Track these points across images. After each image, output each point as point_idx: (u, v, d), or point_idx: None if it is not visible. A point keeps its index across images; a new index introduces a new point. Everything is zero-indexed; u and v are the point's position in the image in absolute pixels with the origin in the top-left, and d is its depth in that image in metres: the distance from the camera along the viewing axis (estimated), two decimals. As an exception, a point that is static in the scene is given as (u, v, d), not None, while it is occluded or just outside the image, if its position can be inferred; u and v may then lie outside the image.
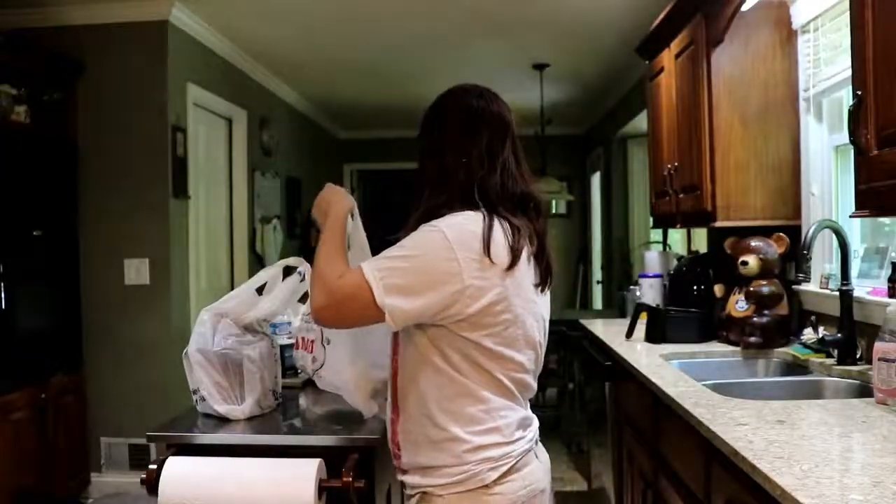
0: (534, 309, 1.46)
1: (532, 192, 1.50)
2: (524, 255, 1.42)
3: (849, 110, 1.71)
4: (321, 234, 1.52)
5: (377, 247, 1.50)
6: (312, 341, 1.79)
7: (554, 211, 8.33)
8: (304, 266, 1.77)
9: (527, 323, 1.43)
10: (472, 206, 1.42)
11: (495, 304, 1.37)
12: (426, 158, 1.52)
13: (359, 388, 1.70)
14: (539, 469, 1.48)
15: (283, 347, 2.00)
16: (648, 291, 3.45)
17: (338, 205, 1.58)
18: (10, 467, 3.21)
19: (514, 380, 1.43)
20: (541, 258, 1.48)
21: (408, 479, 1.47)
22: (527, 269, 1.44)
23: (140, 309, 3.92)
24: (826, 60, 2.60)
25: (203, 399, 1.80)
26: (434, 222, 1.40)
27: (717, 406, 1.82)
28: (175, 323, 3.97)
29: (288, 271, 1.84)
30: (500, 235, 1.39)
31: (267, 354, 1.83)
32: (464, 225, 1.38)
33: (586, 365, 3.49)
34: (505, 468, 1.40)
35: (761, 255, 2.66)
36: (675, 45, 3.19)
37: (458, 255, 1.35)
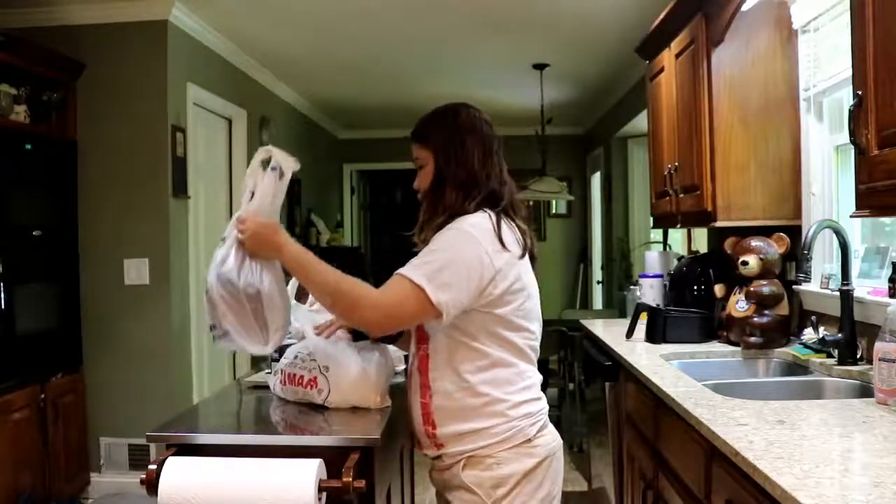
0: (536, 287, 1.75)
1: (519, 198, 1.80)
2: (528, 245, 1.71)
3: (849, 110, 1.71)
4: (296, 266, 1.63)
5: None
6: (312, 380, 1.82)
7: (554, 211, 8.34)
8: (274, 156, 1.67)
9: (534, 298, 1.72)
10: (487, 209, 1.68)
11: (515, 282, 1.64)
12: (453, 167, 1.70)
13: (376, 392, 1.83)
14: (554, 429, 1.77)
15: (283, 347, 1.99)
16: (648, 291, 3.45)
17: (276, 235, 1.64)
18: (9, 467, 3.21)
19: (531, 347, 1.71)
20: (532, 249, 1.76)
21: (448, 449, 1.68)
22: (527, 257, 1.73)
23: (140, 309, 3.92)
24: (826, 60, 2.60)
25: (225, 334, 1.70)
26: (457, 224, 1.64)
27: (718, 406, 1.82)
28: (175, 323, 3.97)
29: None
30: (508, 230, 1.67)
31: (279, 281, 1.71)
32: (481, 223, 1.64)
33: (586, 365, 3.48)
34: (540, 422, 1.70)
35: (762, 255, 2.66)
36: (676, 45, 3.19)
37: (486, 247, 1.61)
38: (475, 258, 1.59)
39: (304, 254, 1.64)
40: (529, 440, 1.66)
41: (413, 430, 1.77)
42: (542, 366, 1.75)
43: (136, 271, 3.92)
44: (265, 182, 1.65)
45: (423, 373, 1.70)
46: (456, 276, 1.57)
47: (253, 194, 1.66)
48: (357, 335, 1.90)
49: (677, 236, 5.04)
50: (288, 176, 1.67)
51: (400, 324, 1.67)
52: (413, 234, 1.75)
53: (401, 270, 1.59)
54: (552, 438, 1.72)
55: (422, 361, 1.71)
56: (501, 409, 1.64)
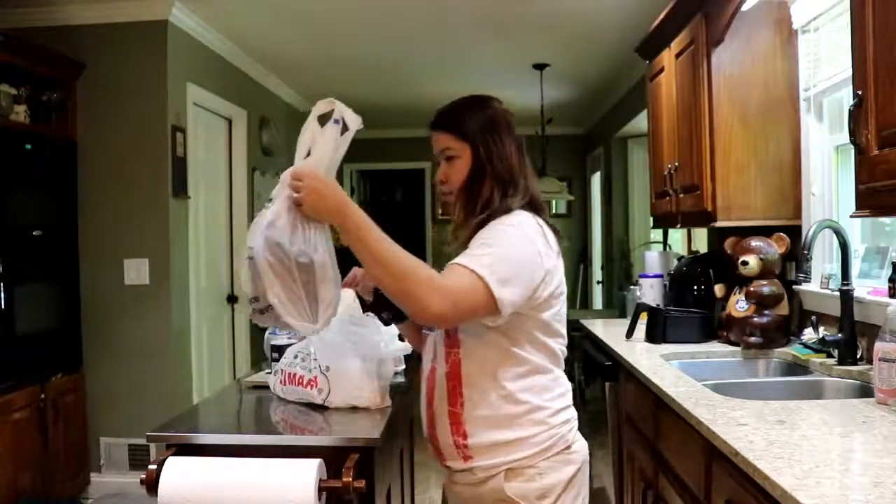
0: None
1: None
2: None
3: (849, 110, 1.71)
4: (357, 234, 1.42)
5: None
6: (312, 380, 1.82)
7: (554, 211, 8.33)
8: (337, 107, 1.47)
9: (566, 302, 1.66)
10: (525, 207, 1.59)
11: (559, 285, 1.59)
12: (494, 162, 1.59)
13: (376, 392, 1.81)
14: None
15: (282, 347, 2.00)
16: (648, 291, 3.45)
17: (339, 193, 1.46)
18: (9, 467, 3.21)
19: (563, 351, 1.64)
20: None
21: (479, 462, 1.56)
22: None
23: (140, 309, 3.92)
24: (826, 60, 2.60)
25: (267, 309, 1.49)
26: (506, 220, 1.54)
27: (718, 406, 1.82)
28: (175, 323, 3.97)
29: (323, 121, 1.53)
30: (549, 231, 1.60)
31: (332, 251, 1.54)
32: (529, 222, 1.56)
33: (586, 365, 3.48)
34: (575, 427, 1.63)
35: (762, 255, 2.66)
36: (676, 45, 3.19)
37: (539, 247, 1.53)
38: (530, 256, 1.51)
39: (368, 220, 1.44)
40: (569, 447, 1.59)
41: (433, 441, 1.64)
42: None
43: (136, 271, 3.92)
44: (326, 136, 1.46)
45: (454, 379, 1.58)
46: (514, 273, 1.47)
47: (309, 152, 1.47)
48: (379, 304, 1.69)
49: (677, 236, 5.04)
50: (352, 131, 1.46)
51: (463, 317, 1.47)
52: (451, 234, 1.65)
53: (458, 261, 1.46)
54: (583, 442, 1.65)
55: (453, 367, 1.58)
56: (542, 416, 1.56)
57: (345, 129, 1.45)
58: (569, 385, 1.65)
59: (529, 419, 1.55)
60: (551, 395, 1.58)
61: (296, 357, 1.88)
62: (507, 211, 1.56)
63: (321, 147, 1.46)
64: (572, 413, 1.63)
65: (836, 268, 2.53)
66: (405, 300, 1.42)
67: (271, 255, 1.44)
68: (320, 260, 1.48)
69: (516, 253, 1.49)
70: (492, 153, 1.59)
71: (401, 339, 1.92)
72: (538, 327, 1.56)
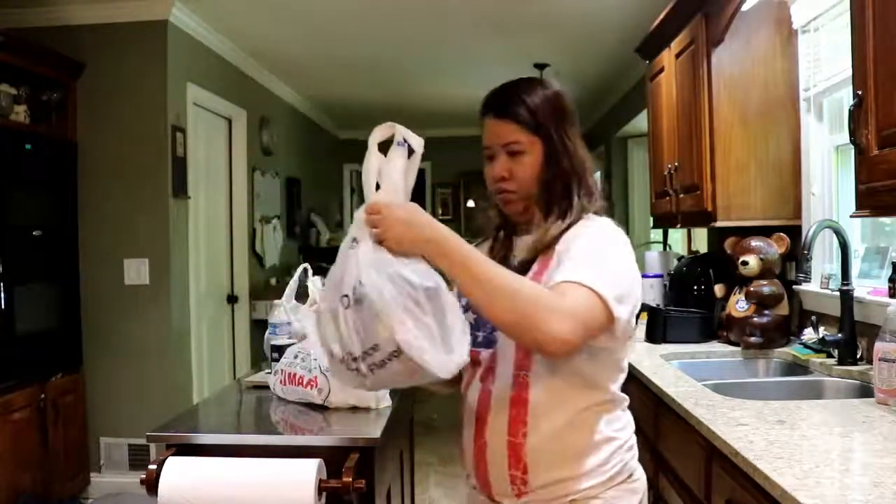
0: None
1: None
2: None
3: (849, 110, 1.71)
4: (460, 260, 1.21)
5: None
6: (312, 380, 1.81)
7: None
8: (398, 131, 1.30)
9: None
10: (600, 211, 1.42)
11: (638, 302, 1.35)
12: (570, 160, 1.39)
13: (377, 394, 1.79)
14: None
15: (282, 347, 2.00)
16: (649, 291, 3.45)
17: (427, 221, 1.23)
18: (9, 467, 3.21)
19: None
20: None
21: (540, 496, 1.34)
22: None
23: (140, 309, 3.92)
24: (826, 60, 2.60)
25: (393, 357, 1.17)
26: (601, 228, 1.36)
27: (718, 406, 1.82)
28: (175, 323, 3.97)
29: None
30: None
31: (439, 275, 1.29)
32: (620, 231, 1.38)
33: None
34: (637, 455, 1.45)
35: (762, 255, 2.66)
36: (676, 45, 3.19)
37: (634, 261, 1.35)
38: (634, 271, 1.32)
39: (463, 241, 1.24)
40: (632, 475, 1.42)
41: (479, 473, 1.40)
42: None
43: (136, 271, 3.92)
44: (393, 162, 1.28)
45: (518, 405, 1.33)
46: (626, 290, 1.27)
47: (378, 185, 1.27)
48: None
49: (677, 236, 5.03)
50: (418, 154, 1.28)
51: (587, 341, 1.24)
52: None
53: (569, 277, 1.23)
54: (642, 470, 1.48)
55: (519, 391, 1.33)
56: (613, 448, 1.37)
57: (410, 152, 1.29)
58: (630, 414, 1.46)
59: (602, 450, 1.36)
60: (620, 423, 1.40)
61: (296, 357, 1.88)
62: (583, 214, 1.38)
63: (390, 175, 1.27)
64: (635, 440, 1.46)
65: (836, 268, 2.53)
66: (523, 329, 1.19)
67: (394, 289, 1.17)
68: (443, 286, 1.24)
69: (623, 267, 1.31)
70: (567, 148, 1.39)
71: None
72: (620, 350, 1.38)
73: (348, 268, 1.21)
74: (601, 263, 1.27)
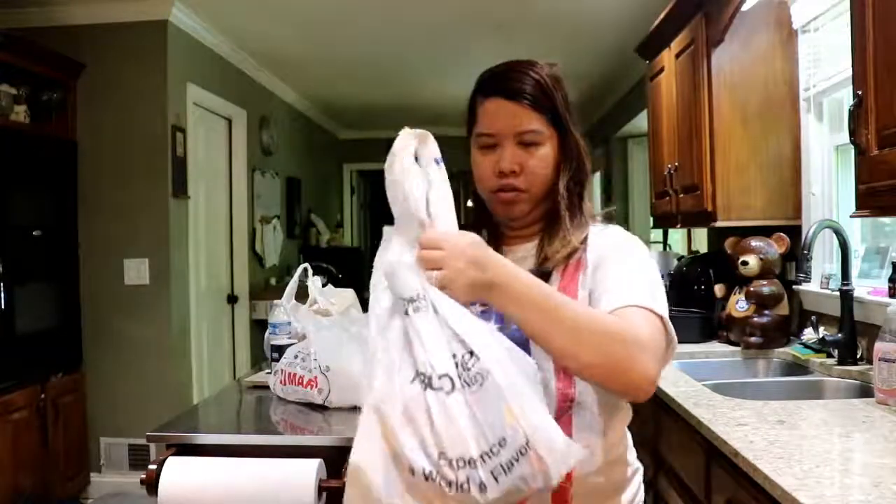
0: None
1: None
2: None
3: (849, 110, 1.71)
4: (542, 302, 0.99)
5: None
6: (312, 380, 1.80)
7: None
8: (430, 144, 1.10)
9: None
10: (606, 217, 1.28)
11: None
12: (581, 155, 1.22)
13: None
14: None
15: (282, 347, 2.00)
16: (648, 291, 3.45)
17: (498, 261, 1.01)
18: (9, 467, 3.21)
19: None
20: None
21: None
22: None
23: (140, 309, 3.91)
24: (826, 60, 2.60)
25: (525, 453, 0.91)
26: (627, 233, 1.22)
27: (718, 406, 1.82)
28: (175, 323, 3.97)
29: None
30: None
31: None
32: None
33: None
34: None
35: (762, 255, 2.66)
36: (676, 45, 3.19)
37: None
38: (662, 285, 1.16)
39: (531, 277, 1.03)
40: (643, 500, 1.30)
41: None
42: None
43: (136, 271, 3.92)
44: (437, 182, 1.05)
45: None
46: (666, 305, 1.11)
47: (428, 208, 1.04)
48: None
49: (677, 236, 5.03)
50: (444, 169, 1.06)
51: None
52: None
53: (630, 301, 1.07)
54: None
55: (563, 429, 1.00)
56: (632, 473, 1.26)
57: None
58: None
59: (626, 480, 1.23)
60: (633, 450, 1.29)
61: (296, 357, 1.88)
62: (589, 222, 1.21)
63: (442, 199, 1.03)
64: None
65: (836, 268, 2.53)
66: (613, 372, 1.02)
67: (514, 366, 0.94)
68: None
69: (659, 280, 1.15)
70: (580, 146, 1.22)
71: None
72: None
73: (426, 338, 0.93)
74: (650, 282, 1.12)
